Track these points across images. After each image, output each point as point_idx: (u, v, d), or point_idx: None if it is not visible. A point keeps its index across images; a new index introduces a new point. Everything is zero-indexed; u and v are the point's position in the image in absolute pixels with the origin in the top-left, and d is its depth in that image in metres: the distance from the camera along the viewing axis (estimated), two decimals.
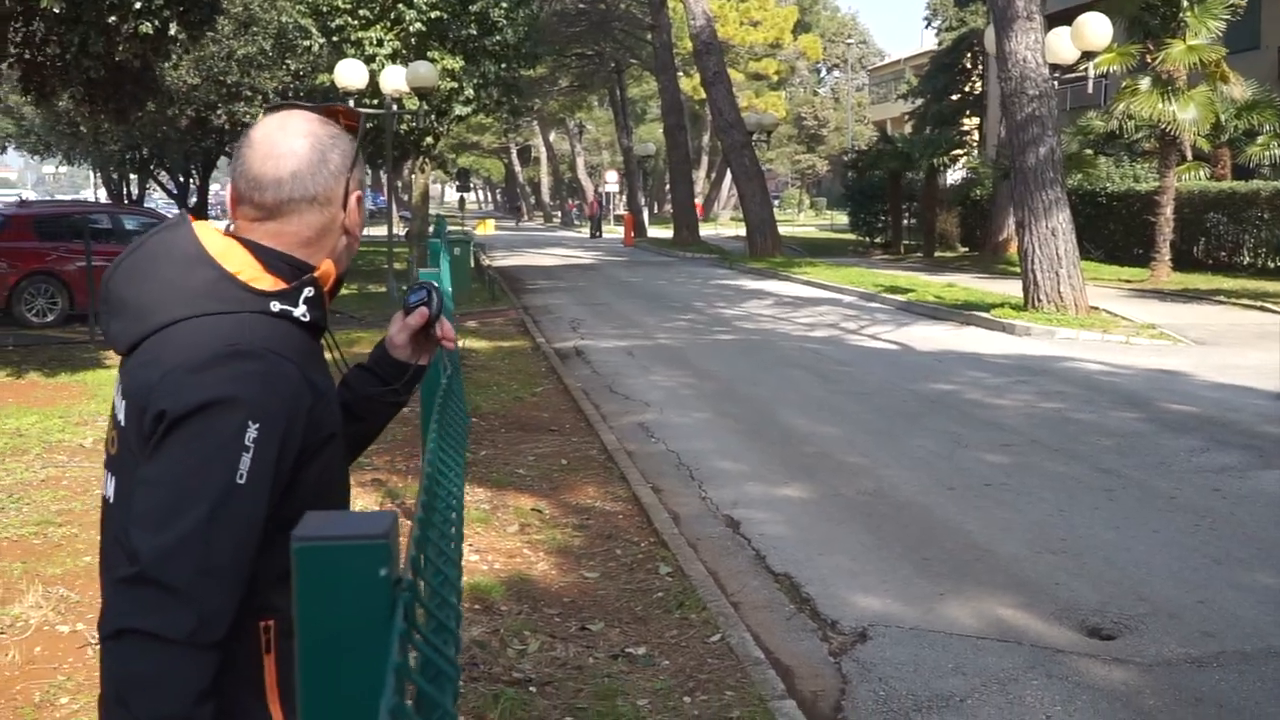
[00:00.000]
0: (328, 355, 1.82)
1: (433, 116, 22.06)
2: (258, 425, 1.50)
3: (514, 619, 5.11)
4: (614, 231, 50.23)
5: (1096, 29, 16.09)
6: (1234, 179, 23.79)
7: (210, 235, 1.67)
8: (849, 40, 76.65)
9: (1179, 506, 6.82)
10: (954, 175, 36.46)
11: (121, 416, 1.63)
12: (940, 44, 51.27)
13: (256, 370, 1.53)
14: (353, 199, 1.76)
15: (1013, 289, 18.07)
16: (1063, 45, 16.26)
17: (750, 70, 59.25)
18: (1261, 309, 16.77)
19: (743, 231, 34.96)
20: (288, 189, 1.69)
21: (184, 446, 1.49)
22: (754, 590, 5.60)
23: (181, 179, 35.08)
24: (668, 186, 67.10)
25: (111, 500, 1.65)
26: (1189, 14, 20.14)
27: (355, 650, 0.77)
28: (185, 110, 24.50)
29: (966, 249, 32.29)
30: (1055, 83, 16.37)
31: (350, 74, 18.90)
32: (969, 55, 46.32)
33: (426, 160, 24.41)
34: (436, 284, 2.03)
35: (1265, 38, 28.21)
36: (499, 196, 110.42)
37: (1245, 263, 22.39)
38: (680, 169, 39.39)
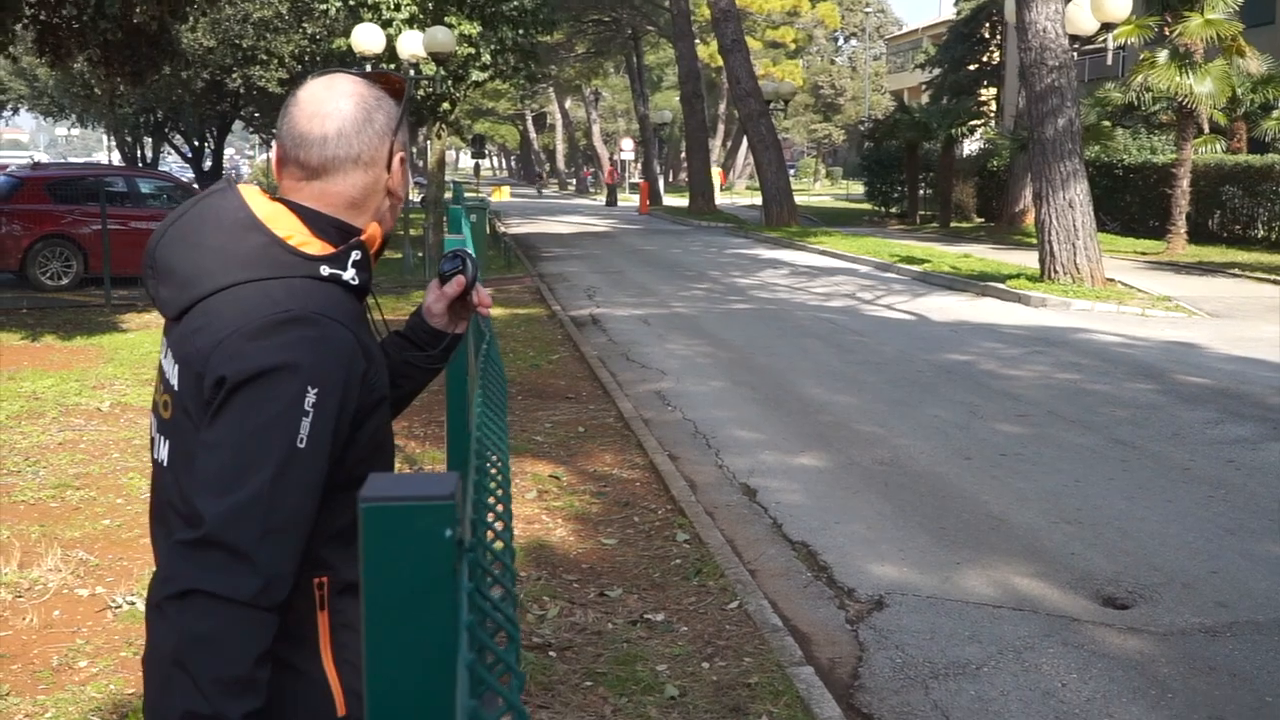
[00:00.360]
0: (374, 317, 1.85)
1: (449, 82, 22.02)
2: (316, 390, 1.53)
3: (533, 585, 5.17)
4: (629, 200, 50.13)
5: (1116, 1, 15.96)
6: (1250, 152, 23.65)
7: (259, 200, 1.69)
8: (867, 9, 76.10)
9: (1193, 478, 6.86)
10: (971, 146, 36.26)
11: (175, 381, 1.65)
12: (959, 13, 50.76)
13: (312, 335, 1.56)
14: (396, 160, 1.77)
15: (1028, 260, 18.04)
16: (1083, 16, 16.15)
17: (767, 38, 58.92)
18: (1276, 282, 16.71)
19: (758, 200, 34.87)
20: (332, 147, 1.71)
21: (245, 411, 1.52)
22: (771, 558, 5.66)
23: (196, 143, 35.10)
24: (683, 155, 66.96)
25: (165, 464, 1.68)
26: None
27: (420, 610, 0.81)
28: (201, 74, 24.50)
29: (982, 220, 32.17)
30: (1074, 54, 16.27)
31: (367, 38, 18.90)
32: (987, 25, 45.96)
33: (443, 126, 24.36)
34: (471, 252, 2.06)
35: None
36: (514, 163, 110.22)
37: (1260, 236, 22.28)
38: (696, 137, 39.25)
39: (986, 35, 46.19)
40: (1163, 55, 20.35)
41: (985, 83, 46.34)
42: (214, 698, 1.44)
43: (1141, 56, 21.01)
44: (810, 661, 4.43)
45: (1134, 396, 9.18)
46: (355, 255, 1.69)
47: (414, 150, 45.65)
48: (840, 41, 79.43)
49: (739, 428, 8.25)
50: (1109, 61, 21.78)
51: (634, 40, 51.22)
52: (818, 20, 63.14)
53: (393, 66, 20.40)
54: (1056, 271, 15.62)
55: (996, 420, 8.39)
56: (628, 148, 57.97)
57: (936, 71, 49.00)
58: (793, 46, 62.58)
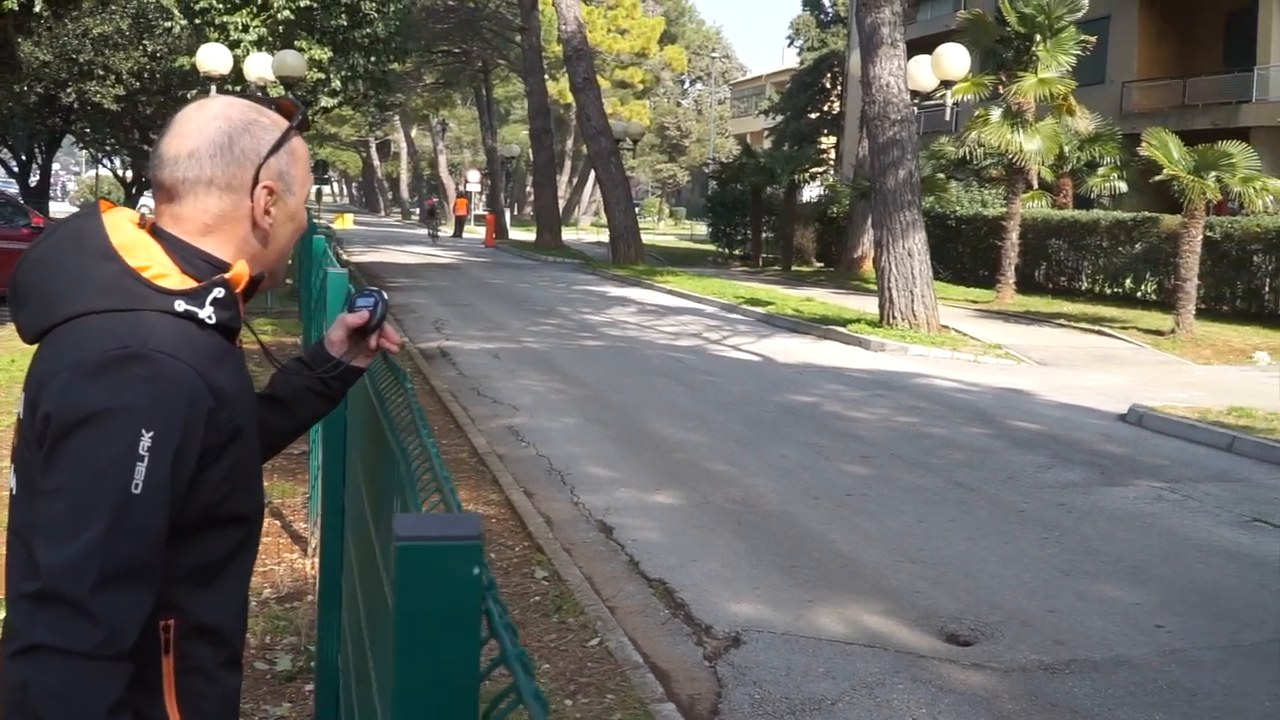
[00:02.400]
0: (254, 344, 1.80)
1: None
2: (151, 433, 1.47)
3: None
4: (474, 232, 49.92)
5: (955, 60, 16.73)
6: (1075, 208, 24.96)
7: (119, 226, 1.63)
8: (713, 54, 77.71)
9: (1028, 520, 7.18)
10: (812, 192, 37.32)
11: (22, 409, 1.60)
12: (802, 63, 52.36)
13: (148, 375, 1.50)
14: (260, 189, 1.69)
15: (868, 305, 18.62)
16: (923, 73, 16.86)
17: (616, 78, 59.58)
18: (1099, 333, 17.63)
19: (604, 237, 35.18)
20: (183, 168, 1.65)
21: (77, 457, 1.47)
22: (629, 595, 5.71)
23: (24, 157, 33.64)
24: (528, 188, 67.04)
25: (14, 493, 1.62)
26: (1041, 48, 21.08)
27: (449, 641, 0.85)
28: (34, 87, 23.54)
29: (822, 264, 33.08)
30: (915, 109, 16.94)
31: (214, 59, 18.51)
32: (829, 76, 47.55)
33: None
34: (385, 294, 2.09)
35: (1110, 72, 29.71)
36: (355, 191, 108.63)
37: (1084, 288, 23.49)
38: (545, 172, 39.41)
39: (828, 85, 47.75)
40: (996, 113, 21.33)
41: (826, 131, 47.84)
42: None
43: (976, 113, 21.98)
44: (671, 698, 4.48)
45: (970, 440, 9.56)
46: (217, 292, 1.62)
47: None
48: (686, 84, 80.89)
49: (594, 464, 8.30)
50: (946, 117, 22.73)
51: (484, 73, 51.25)
52: (665, 63, 64.28)
53: (239, 89, 19.99)
54: (895, 317, 16.17)
55: (841, 461, 8.64)
56: (474, 179, 57.80)
57: (779, 118, 50.36)
58: (640, 87, 63.42)
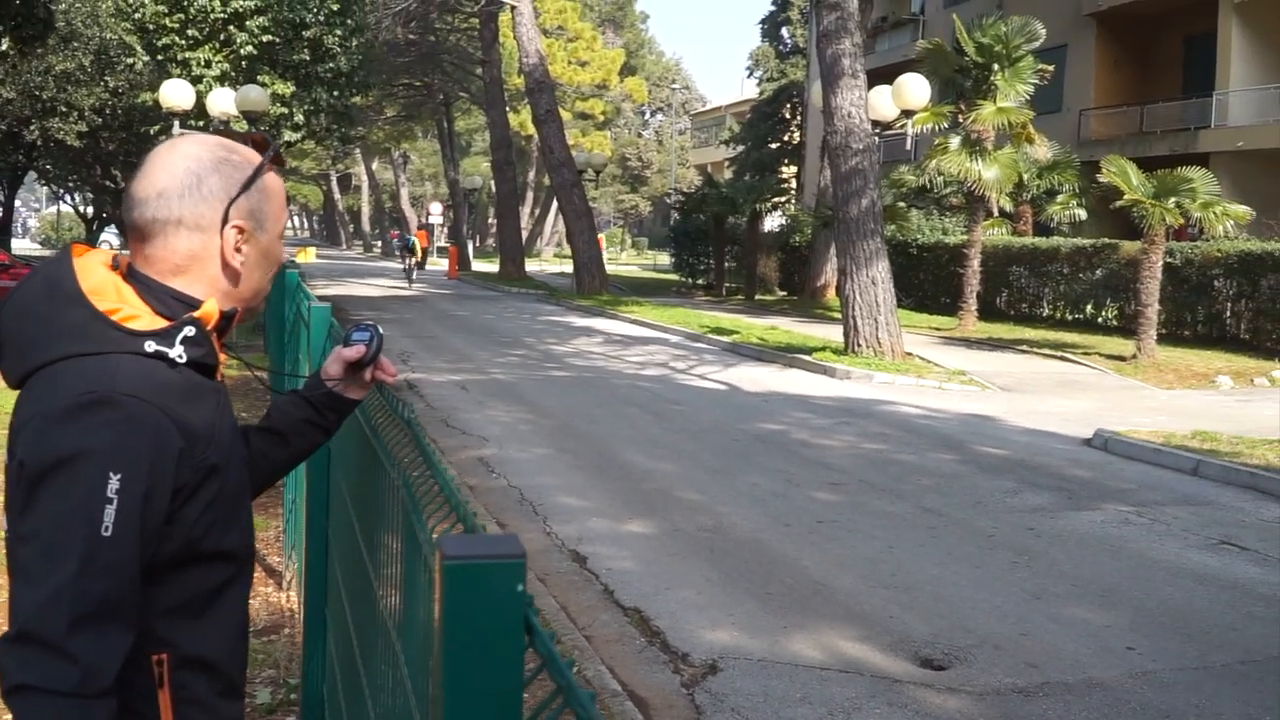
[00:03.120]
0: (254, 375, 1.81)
1: None
2: (119, 475, 1.49)
3: (366, 665, 5.08)
4: (437, 264, 49.87)
5: (915, 90, 16.94)
6: (1035, 235, 25.27)
7: (90, 270, 1.64)
8: (673, 85, 78.26)
9: (997, 544, 7.24)
10: (774, 221, 37.59)
11: (5, 452, 1.63)
12: (761, 94, 52.85)
13: (114, 418, 1.51)
14: (228, 228, 1.70)
15: (832, 333, 18.75)
16: (884, 103, 17.05)
17: (577, 109, 59.88)
18: (1062, 358, 17.82)
19: (567, 268, 35.25)
20: (151, 208, 1.67)
21: (49, 502, 1.50)
22: (605, 624, 5.70)
23: None
24: (490, 220, 67.12)
25: (4, 533, 1.63)
26: (1000, 78, 21.39)
27: (495, 653, 0.89)
28: None
29: (785, 293, 33.27)
30: (877, 138, 17.13)
31: (177, 94, 18.46)
32: (789, 106, 48.01)
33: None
34: (380, 329, 2.11)
35: (1068, 100, 30.16)
36: (316, 224, 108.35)
37: (1045, 314, 23.75)
38: (508, 204, 39.47)
39: (788, 115, 48.19)
40: (955, 141, 21.60)
41: (786, 160, 48.26)
42: None
43: (936, 142, 22.24)
44: None
45: (937, 466, 9.63)
46: (188, 331, 1.63)
47: None
48: (647, 115, 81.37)
49: (565, 494, 8.29)
50: (907, 146, 22.99)
51: (445, 106, 51.35)
52: (626, 94, 64.62)
53: (202, 124, 19.93)
54: (860, 345, 16.28)
55: (811, 488, 8.68)
56: (436, 211, 57.82)
57: (740, 148, 50.74)
58: (601, 118, 63.77)
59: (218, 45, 20.45)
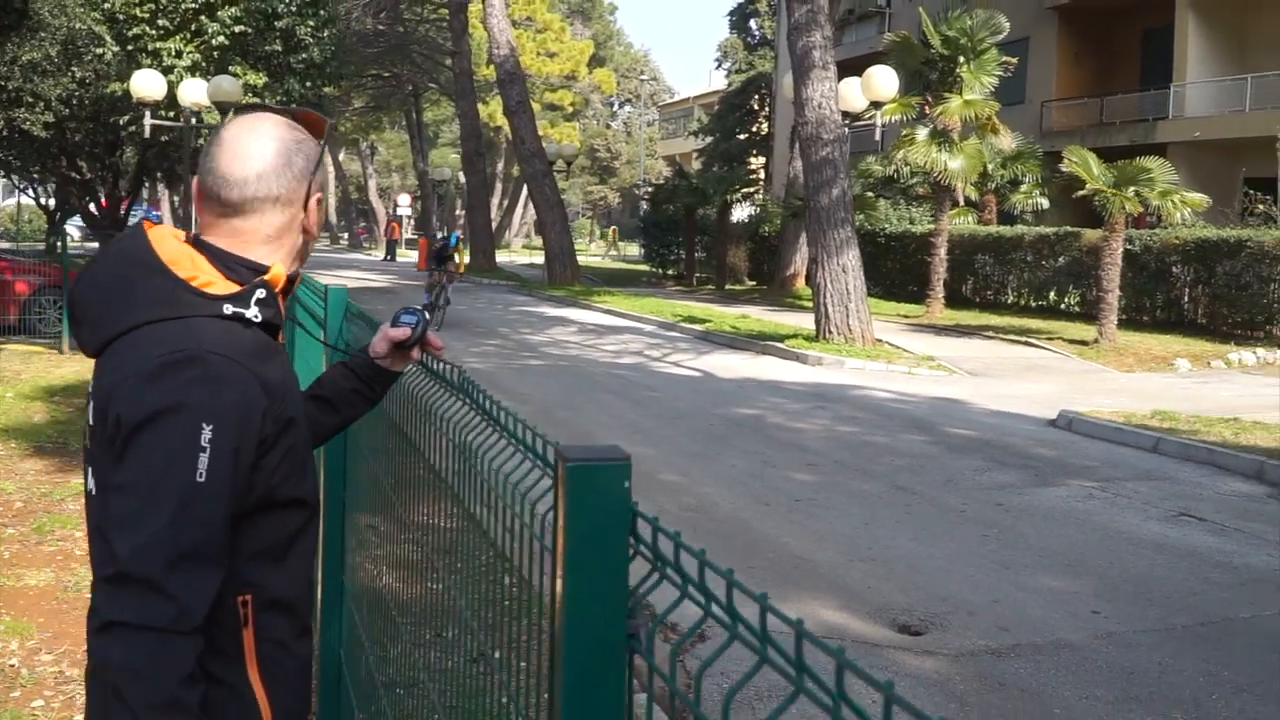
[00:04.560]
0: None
1: None
2: (211, 426, 1.63)
3: (371, 628, 5.29)
4: (406, 255, 49.86)
5: (884, 81, 17.23)
6: (1000, 224, 25.67)
7: (165, 242, 1.80)
8: (642, 76, 78.37)
9: (968, 519, 7.53)
10: (743, 212, 37.84)
11: (91, 417, 1.78)
12: (730, 85, 53.07)
13: (204, 374, 1.66)
14: (313, 201, 1.89)
15: (803, 321, 19.03)
16: (853, 95, 17.33)
17: (546, 100, 59.93)
18: (1026, 343, 18.19)
19: (537, 259, 35.40)
20: (253, 188, 1.82)
21: (146, 452, 1.63)
22: None
23: None
24: (459, 212, 67.00)
25: (94, 492, 1.79)
26: (965, 70, 21.72)
27: (607, 538, 1.13)
28: None
29: (755, 282, 33.57)
30: (846, 129, 17.42)
31: (148, 84, 18.49)
32: (757, 97, 48.23)
33: None
34: (428, 315, 2.32)
35: (1030, 92, 30.58)
36: None
37: (1010, 301, 24.15)
38: (478, 195, 39.55)
39: (756, 107, 48.41)
40: (922, 132, 21.92)
41: (755, 151, 48.49)
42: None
43: (903, 133, 22.55)
44: (642, 689, 4.72)
45: (909, 447, 9.92)
46: (260, 293, 1.79)
47: (175, 200, 44.28)
48: (616, 106, 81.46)
49: None
50: (876, 137, 23.30)
51: (414, 97, 51.31)
52: (595, 85, 64.70)
53: (173, 114, 19.97)
54: (831, 332, 16.57)
55: (788, 469, 8.94)
56: (404, 203, 57.74)
57: (709, 139, 50.93)
58: (570, 110, 63.85)
59: (189, 35, 20.48)
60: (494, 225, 51.26)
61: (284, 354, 1.91)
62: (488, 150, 52.75)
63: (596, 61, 65.64)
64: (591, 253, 61.41)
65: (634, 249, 50.31)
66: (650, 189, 37.37)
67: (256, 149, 1.85)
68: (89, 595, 1.72)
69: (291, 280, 1.93)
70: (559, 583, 1.17)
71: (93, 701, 1.79)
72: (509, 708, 4.64)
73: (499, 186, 63.26)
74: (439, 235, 27.64)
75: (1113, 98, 29.13)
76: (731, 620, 1.05)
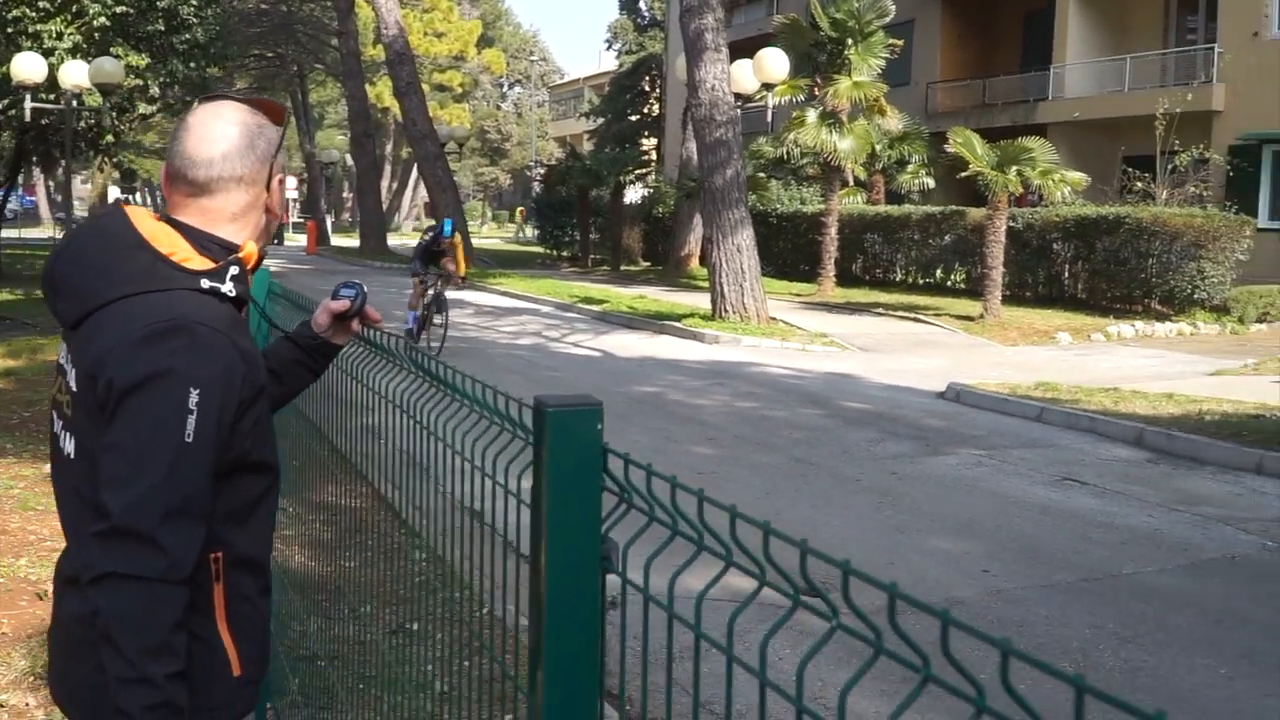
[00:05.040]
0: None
1: (114, 114, 21.15)
2: (198, 391, 1.75)
3: (286, 605, 5.34)
4: (294, 239, 49.08)
5: (775, 64, 17.55)
6: (888, 203, 26.23)
7: (144, 220, 1.91)
8: (531, 57, 78.04)
9: (864, 488, 7.81)
10: (636, 193, 38.04)
11: (74, 384, 1.87)
12: (620, 66, 53.19)
13: (191, 342, 1.77)
14: (275, 181, 2.03)
15: (698, 301, 19.30)
16: (745, 76, 17.61)
17: (435, 81, 59.35)
18: (915, 320, 18.69)
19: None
20: (218, 168, 1.94)
21: (137, 414, 1.74)
22: (509, 570, 6.04)
23: None
24: (346, 194, 66.11)
25: (73, 457, 1.89)
26: (853, 52, 22.13)
27: (582, 476, 1.26)
28: None
29: (649, 263, 33.79)
30: (739, 110, 17.68)
31: (28, 68, 18.01)
32: (648, 79, 48.42)
33: (105, 160, 23.26)
34: (365, 287, 2.44)
35: (915, 74, 31.23)
36: (159, 199, 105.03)
37: (898, 279, 24.72)
38: (368, 177, 39.14)
39: (647, 88, 48.60)
40: (812, 114, 22.29)
41: (646, 133, 48.70)
42: (139, 664, 1.67)
43: (793, 114, 22.90)
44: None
45: (806, 420, 10.21)
46: (233, 270, 1.92)
47: (51, 185, 42.98)
48: (505, 87, 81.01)
49: None
50: (768, 118, 23.61)
51: (300, 78, 50.44)
52: (484, 66, 64.32)
53: (53, 97, 19.44)
54: (727, 311, 16.86)
55: (690, 444, 9.16)
56: (290, 185, 56.73)
57: (600, 120, 50.98)
58: (460, 90, 63.35)
59: (69, 17, 19.92)
60: (384, 208, 50.73)
61: (247, 326, 2.03)
62: (376, 132, 52.14)
63: (485, 42, 65.21)
64: (483, 235, 61.11)
65: (527, 231, 50.17)
66: (542, 170, 37.32)
67: (220, 133, 1.96)
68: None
69: (260, 257, 2.03)
70: (543, 515, 1.30)
71: (61, 652, 1.89)
72: (433, 675, 4.75)
73: (388, 169, 62.54)
74: (428, 225, 21.99)
75: (995, 79, 29.89)
76: (698, 534, 1.20)
